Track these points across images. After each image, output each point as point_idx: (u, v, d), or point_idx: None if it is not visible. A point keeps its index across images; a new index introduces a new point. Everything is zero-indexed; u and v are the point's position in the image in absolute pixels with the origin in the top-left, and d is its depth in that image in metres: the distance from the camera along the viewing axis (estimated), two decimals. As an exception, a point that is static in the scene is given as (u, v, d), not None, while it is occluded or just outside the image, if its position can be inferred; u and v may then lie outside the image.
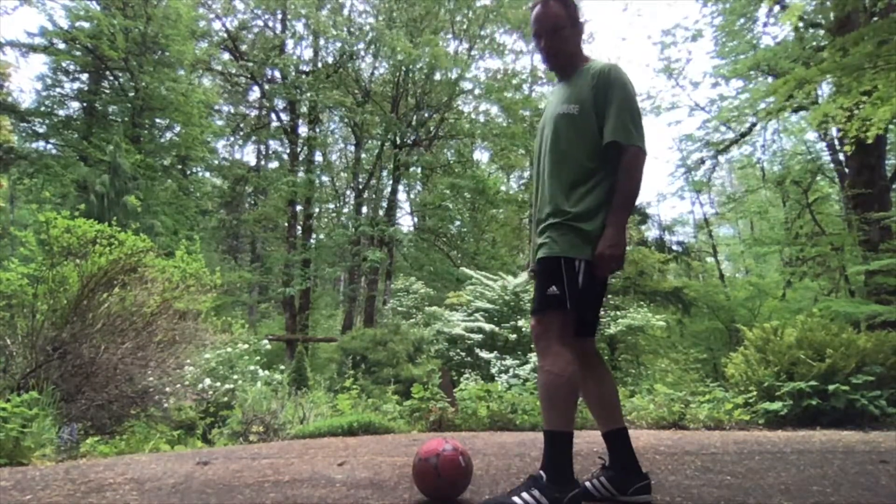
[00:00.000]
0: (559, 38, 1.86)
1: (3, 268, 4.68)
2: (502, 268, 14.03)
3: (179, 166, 16.17)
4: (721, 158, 12.65)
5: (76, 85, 14.17)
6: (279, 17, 16.93)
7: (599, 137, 1.76)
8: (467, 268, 12.46)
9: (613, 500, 1.75)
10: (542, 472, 1.63)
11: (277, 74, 16.91)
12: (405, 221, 20.47)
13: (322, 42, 16.86)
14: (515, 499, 1.58)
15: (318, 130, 17.79)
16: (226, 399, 5.15)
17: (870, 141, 5.99)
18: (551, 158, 1.83)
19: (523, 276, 9.78)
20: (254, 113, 20.19)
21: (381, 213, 17.23)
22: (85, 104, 14.00)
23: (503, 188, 19.47)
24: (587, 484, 1.80)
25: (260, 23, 17.56)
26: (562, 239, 1.73)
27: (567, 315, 1.70)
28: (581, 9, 1.95)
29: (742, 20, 9.79)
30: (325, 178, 20.57)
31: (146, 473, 2.42)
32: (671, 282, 12.47)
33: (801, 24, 9.60)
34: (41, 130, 13.19)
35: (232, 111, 20.19)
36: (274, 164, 20.52)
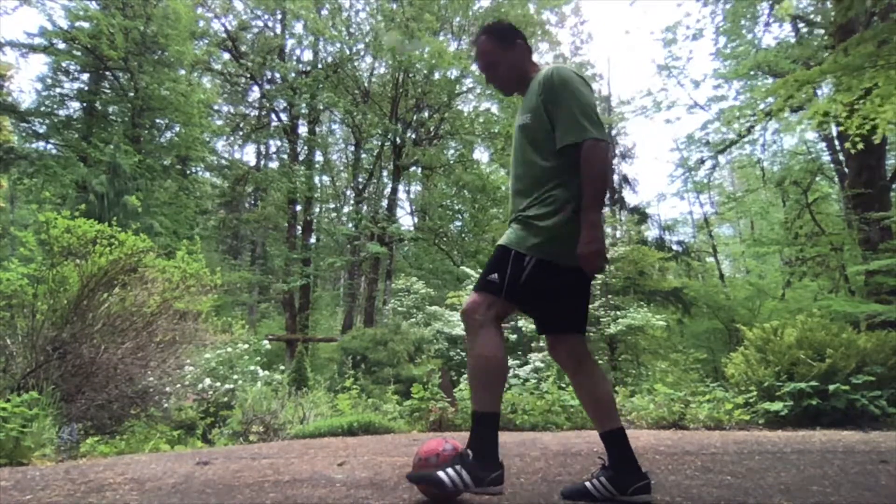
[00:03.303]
0: (499, 69, 1.97)
1: (3, 268, 4.68)
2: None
3: (179, 166, 16.17)
4: (721, 158, 12.64)
5: (76, 85, 14.18)
6: (279, 17, 16.93)
7: (552, 138, 1.81)
8: (468, 267, 12.46)
9: (613, 500, 1.75)
10: (468, 450, 1.68)
11: (277, 75, 16.92)
12: (405, 221, 20.49)
13: (321, 43, 16.86)
14: (440, 473, 1.62)
15: (317, 131, 17.78)
16: (226, 399, 5.15)
17: (878, 141, 6.00)
18: (514, 167, 1.93)
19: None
20: (254, 113, 20.18)
21: (381, 212, 17.25)
22: (85, 104, 14.00)
23: (504, 187, 19.48)
24: (587, 484, 1.81)
25: (259, 23, 17.58)
26: (518, 233, 1.79)
27: (500, 303, 1.75)
28: (513, 28, 2.02)
29: (743, 21, 9.78)
30: (325, 178, 20.57)
31: (146, 473, 2.42)
32: (671, 282, 12.46)
33: (801, 25, 9.60)
34: (41, 130, 13.18)
35: (232, 111, 20.18)
36: (274, 164, 20.54)
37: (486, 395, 1.71)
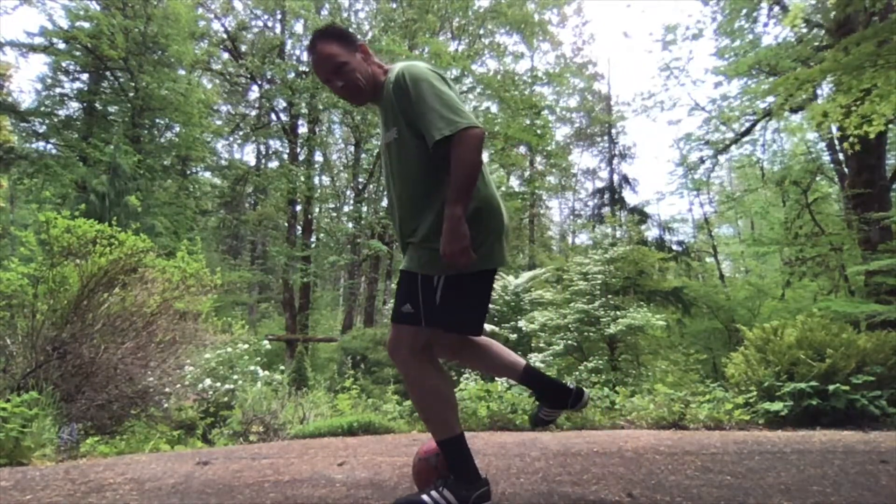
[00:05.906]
0: (348, 71, 1.77)
1: (3, 268, 4.68)
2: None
3: (179, 166, 16.18)
4: (721, 158, 12.64)
5: (76, 85, 14.20)
6: (278, 17, 16.94)
7: (427, 150, 1.65)
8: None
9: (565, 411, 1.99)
10: (449, 473, 1.70)
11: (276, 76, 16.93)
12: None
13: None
14: (424, 497, 1.63)
15: (317, 131, 17.78)
16: (226, 399, 5.15)
17: (872, 136, 5.99)
18: (394, 186, 1.79)
19: (524, 276, 9.78)
20: (254, 113, 20.21)
21: (381, 212, 17.27)
22: (85, 104, 14.01)
23: (503, 188, 19.48)
24: (539, 415, 2.03)
25: (259, 23, 17.59)
26: (420, 256, 1.68)
27: (422, 331, 1.69)
28: (350, 30, 1.91)
29: (743, 21, 9.78)
30: (325, 179, 20.54)
31: (146, 473, 2.42)
32: (671, 282, 12.45)
33: (801, 24, 9.60)
34: (41, 130, 13.20)
35: (232, 111, 20.20)
36: (274, 164, 20.56)
37: (441, 424, 1.70)
